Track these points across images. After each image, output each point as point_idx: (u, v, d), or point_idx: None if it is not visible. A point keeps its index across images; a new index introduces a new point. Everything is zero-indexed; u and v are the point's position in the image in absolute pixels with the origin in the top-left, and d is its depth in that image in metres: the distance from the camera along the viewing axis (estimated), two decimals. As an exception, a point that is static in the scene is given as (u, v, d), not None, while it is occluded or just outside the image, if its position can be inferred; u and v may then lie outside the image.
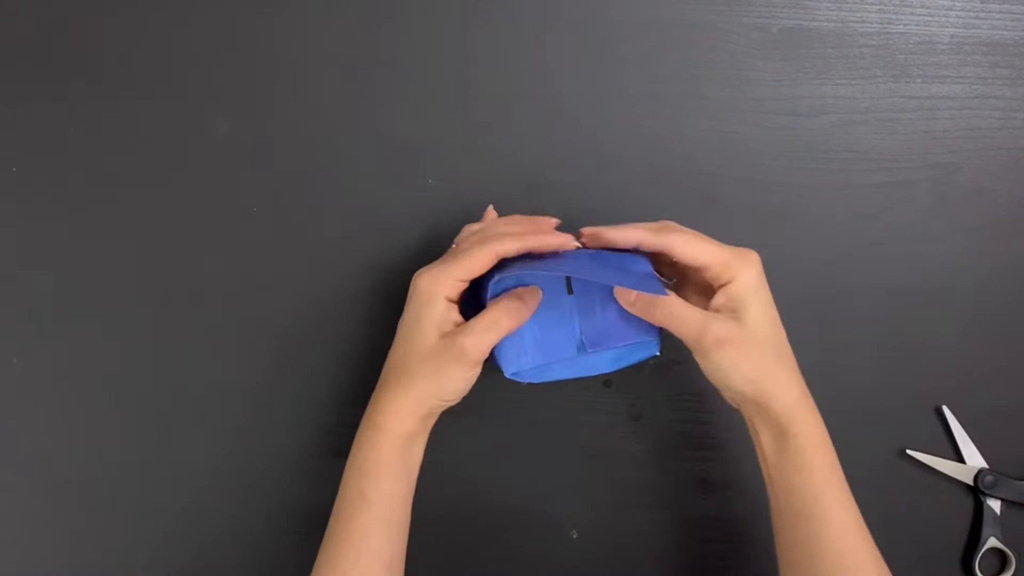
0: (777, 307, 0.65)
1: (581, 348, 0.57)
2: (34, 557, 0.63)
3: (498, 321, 0.54)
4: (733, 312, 0.53)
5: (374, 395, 0.56)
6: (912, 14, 0.66)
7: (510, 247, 0.55)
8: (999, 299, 0.66)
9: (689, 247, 0.54)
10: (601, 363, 0.58)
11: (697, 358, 0.54)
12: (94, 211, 0.64)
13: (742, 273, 0.54)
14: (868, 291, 0.65)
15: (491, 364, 0.58)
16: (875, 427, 0.65)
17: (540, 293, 0.56)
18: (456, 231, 0.63)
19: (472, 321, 0.54)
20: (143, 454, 0.63)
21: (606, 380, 0.65)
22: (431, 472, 0.63)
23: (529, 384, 0.58)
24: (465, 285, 0.55)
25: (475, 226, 0.59)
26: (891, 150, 0.66)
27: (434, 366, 0.54)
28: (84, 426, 0.63)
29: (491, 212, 0.61)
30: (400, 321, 0.56)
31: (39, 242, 0.64)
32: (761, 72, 0.65)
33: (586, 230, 0.57)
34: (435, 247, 0.64)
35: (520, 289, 0.56)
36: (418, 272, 0.55)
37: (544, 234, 0.56)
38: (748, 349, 0.53)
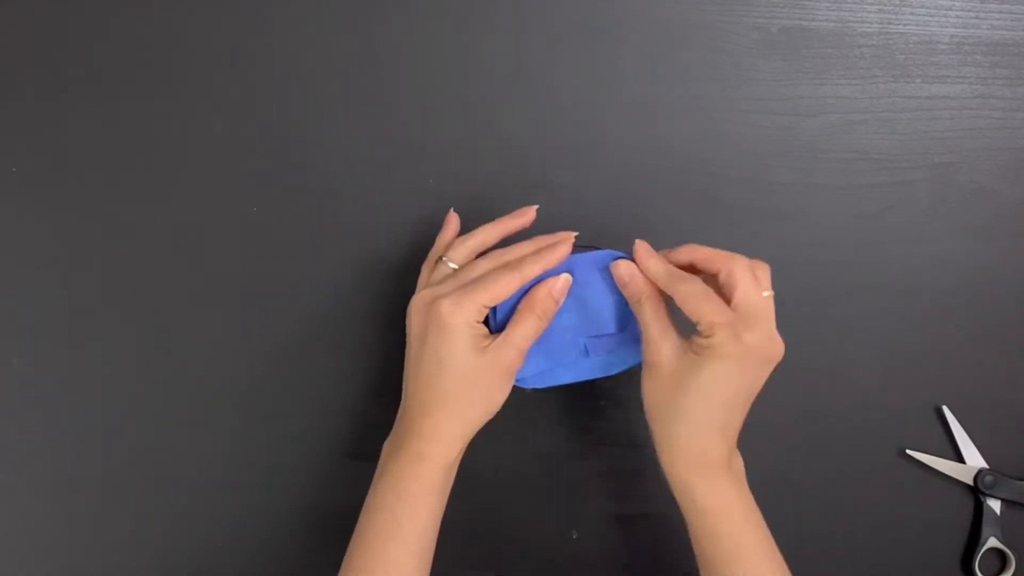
0: (777, 307, 0.65)
1: (583, 352, 0.57)
2: (34, 557, 0.63)
3: (538, 324, 0.54)
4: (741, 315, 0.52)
5: (411, 423, 0.55)
6: (912, 14, 0.66)
7: (535, 270, 0.54)
8: (999, 299, 0.66)
9: (690, 303, 0.52)
10: (603, 366, 0.58)
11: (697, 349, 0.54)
12: (94, 211, 0.64)
13: (724, 341, 0.52)
14: (868, 291, 0.65)
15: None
16: (875, 427, 0.65)
17: (569, 279, 0.55)
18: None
19: (511, 330, 0.54)
20: (143, 454, 0.63)
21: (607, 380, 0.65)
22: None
23: (533, 390, 0.58)
24: (487, 311, 0.55)
25: (469, 241, 0.58)
26: (891, 150, 0.66)
27: (484, 386, 0.54)
28: (84, 426, 0.63)
29: (453, 218, 0.60)
30: (420, 347, 0.55)
31: (39, 242, 0.64)
32: (761, 72, 0.65)
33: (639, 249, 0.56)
34: (435, 247, 0.64)
35: (547, 281, 0.55)
36: (435, 298, 0.54)
37: (556, 248, 0.55)
38: (753, 359, 0.53)
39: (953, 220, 0.66)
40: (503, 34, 0.65)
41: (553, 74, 0.65)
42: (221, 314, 0.64)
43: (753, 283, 0.53)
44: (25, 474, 0.63)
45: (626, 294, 0.56)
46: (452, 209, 0.60)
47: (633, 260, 0.56)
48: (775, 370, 0.65)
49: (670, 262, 0.55)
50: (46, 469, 0.63)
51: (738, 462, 0.55)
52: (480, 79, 0.65)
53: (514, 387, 0.57)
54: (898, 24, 0.66)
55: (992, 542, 0.64)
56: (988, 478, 0.64)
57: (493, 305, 0.55)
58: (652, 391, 0.54)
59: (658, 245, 0.64)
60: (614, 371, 0.58)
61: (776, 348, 0.53)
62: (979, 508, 0.65)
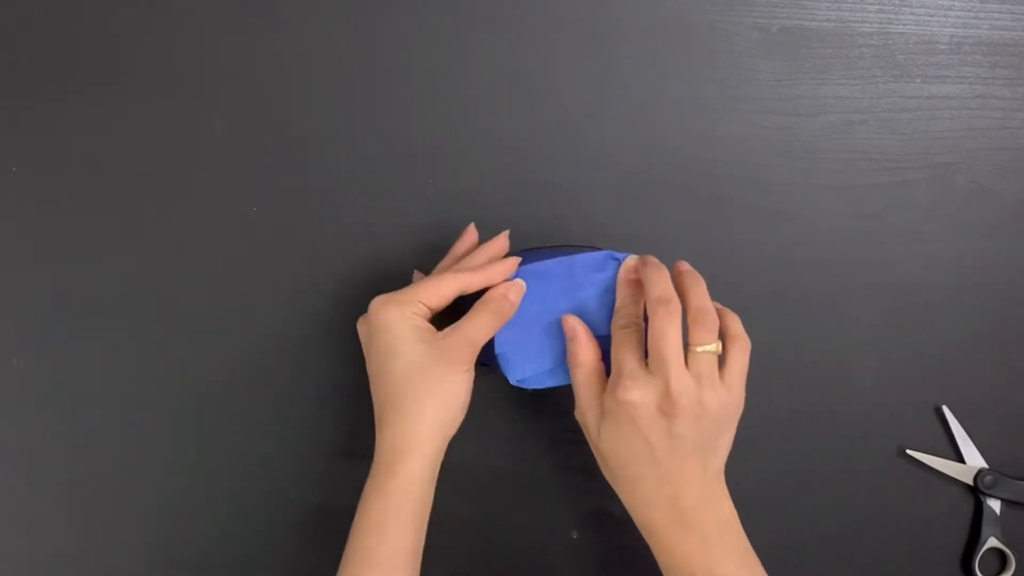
0: (777, 307, 0.65)
1: None
2: (34, 557, 0.63)
3: (490, 320, 0.54)
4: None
5: (377, 440, 0.55)
6: (912, 14, 0.66)
7: (475, 280, 0.54)
8: (999, 299, 0.66)
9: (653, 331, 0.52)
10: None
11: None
12: (94, 211, 0.64)
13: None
14: (868, 291, 0.65)
15: (493, 370, 0.58)
16: (875, 427, 0.65)
17: (524, 287, 0.55)
18: (456, 231, 0.63)
19: (461, 320, 0.54)
20: (143, 454, 0.63)
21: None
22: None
23: (534, 391, 0.58)
24: (428, 313, 0.54)
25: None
26: (891, 150, 0.66)
27: (436, 378, 0.53)
28: (84, 426, 0.63)
29: (471, 232, 0.60)
30: (368, 356, 0.55)
31: (39, 242, 0.64)
32: (761, 72, 0.65)
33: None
34: (435, 247, 0.64)
35: (504, 284, 0.55)
36: (373, 301, 0.55)
37: (495, 267, 0.55)
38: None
39: (953, 220, 0.66)
40: (503, 34, 0.65)
41: (553, 74, 0.65)
42: (221, 314, 0.64)
43: (671, 332, 0.51)
44: (25, 474, 0.63)
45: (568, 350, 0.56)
46: (472, 224, 0.61)
47: (627, 262, 0.56)
48: (775, 370, 0.65)
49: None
50: (46, 469, 0.63)
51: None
52: (480, 79, 0.65)
53: (515, 388, 0.57)
54: (898, 24, 0.66)
55: (992, 542, 0.64)
56: (988, 478, 0.64)
57: (431, 304, 0.54)
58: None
59: (658, 245, 0.65)
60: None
61: (737, 406, 0.53)
62: (979, 508, 0.65)
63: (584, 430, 0.55)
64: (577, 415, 0.55)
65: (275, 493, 0.64)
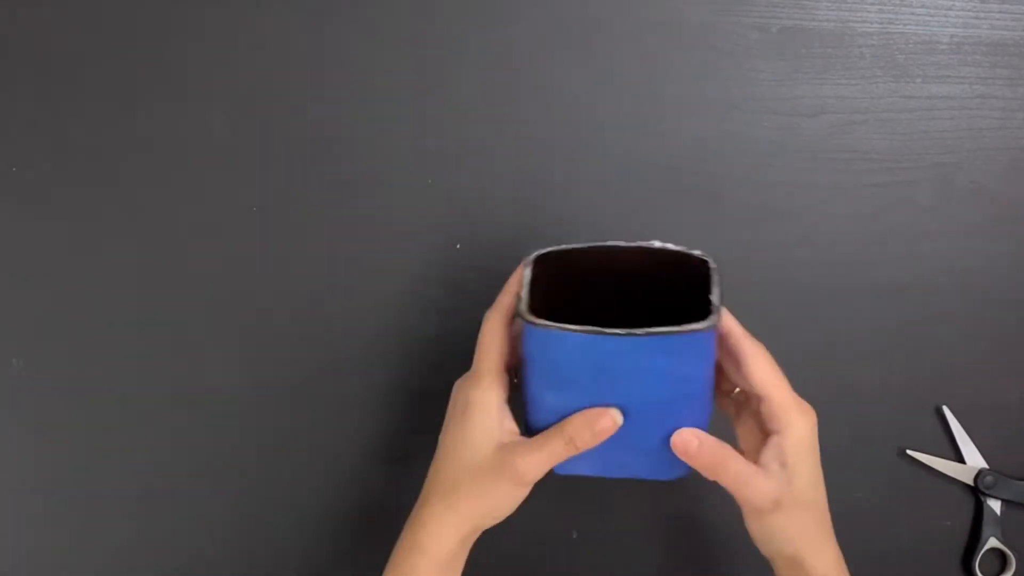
0: (777, 307, 0.65)
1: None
2: (34, 557, 0.63)
3: (564, 451, 0.49)
4: (783, 468, 0.50)
5: (415, 509, 0.52)
6: (912, 14, 0.66)
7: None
8: (999, 299, 0.66)
9: (756, 365, 0.50)
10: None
11: (747, 516, 0.52)
12: (94, 211, 0.64)
13: (797, 425, 0.50)
14: (868, 291, 0.65)
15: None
16: (875, 427, 0.65)
17: (617, 421, 0.48)
18: (456, 231, 0.63)
19: (534, 440, 0.49)
20: (144, 454, 0.63)
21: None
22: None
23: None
24: (507, 388, 0.51)
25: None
26: (891, 150, 0.66)
27: (485, 484, 0.50)
28: (84, 426, 0.63)
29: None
30: (444, 428, 0.53)
31: (39, 242, 0.64)
32: (761, 72, 0.65)
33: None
34: (435, 247, 0.64)
35: (595, 412, 0.48)
36: (483, 376, 0.51)
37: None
38: (796, 513, 0.50)
39: (953, 220, 0.66)
40: (503, 34, 0.65)
41: (553, 74, 0.65)
42: (220, 314, 0.64)
43: (764, 357, 0.51)
44: (25, 474, 0.63)
45: (697, 466, 0.50)
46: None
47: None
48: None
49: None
50: (46, 469, 0.63)
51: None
52: (480, 79, 0.65)
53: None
54: (898, 24, 0.66)
55: (992, 542, 0.64)
56: (988, 478, 0.64)
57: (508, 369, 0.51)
58: (779, 523, 0.51)
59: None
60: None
61: (812, 410, 0.52)
62: (979, 508, 0.65)
63: (761, 506, 0.50)
64: (758, 496, 0.50)
65: (277, 494, 0.64)
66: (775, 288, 0.65)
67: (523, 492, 0.50)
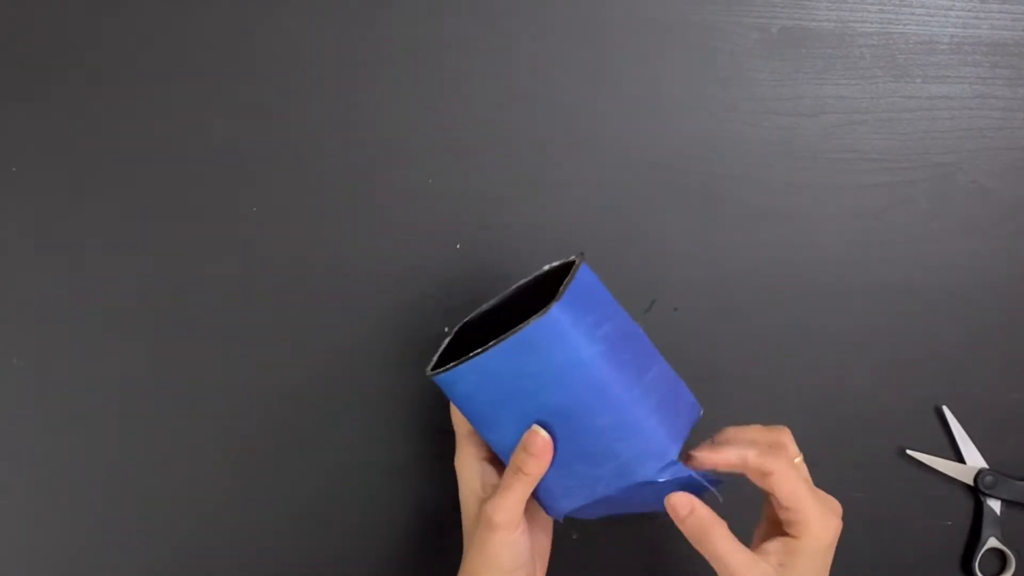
0: (777, 307, 0.65)
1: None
2: (34, 557, 0.63)
3: (518, 481, 0.49)
4: (782, 567, 0.49)
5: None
6: (912, 14, 0.66)
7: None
8: (999, 299, 0.66)
9: (786, 486, 0.49)
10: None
11: None
12: (94, 211, 0.64)
13: (813, 536, 0.50)
14: (868, 291, 0.65)
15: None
16: (875, 427, 0.65)
17: (544, 436, 0.49)
18: (456, 231, 0.63)
19: (500, 486, 0.51)
20: (144, 454, 0.63)
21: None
22: (430, 471, 0.63)
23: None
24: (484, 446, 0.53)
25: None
26: (891, 150, 0.66)
27: (477, 539, 0.51)
28: (84, 426, 0.63)
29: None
30: None
31: (39, 242, 0.64)
32: (761, 72, 0.65)
33: (695, 453, 0.51)
34: (435, 248, 0.64)
35: (525, 435, 0.49)
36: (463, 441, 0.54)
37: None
38: None
39: (953, 220, 0.66)
40: (502, 34, 0.65)
41: (553, 74, 0.65)
42: (220, 314, 0.64)
43: (793, 472, 0.50)
44: (25, 474, 0.63)
45: (685, 533, 0.50)
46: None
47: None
48: (775, 370, 0.65)
49: (708, 464, 0.50)
50: (46, 469, 0.63)
51: None
52: (480, 79, 0.65)
53: None
54: (898, 24, 0.66)
55: (992, 542, 0.64)
56: (988, 478, 0.64)
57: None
58: None
59: (657, 245, 0.65)
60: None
61: (837, 519, 0.51)
62: (979, 508, 0.65)
63: None
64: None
65: (276, 494, 0.64)
66: (775, 288, 0.65)
67: (510, 537, 0.50)
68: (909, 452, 0.65)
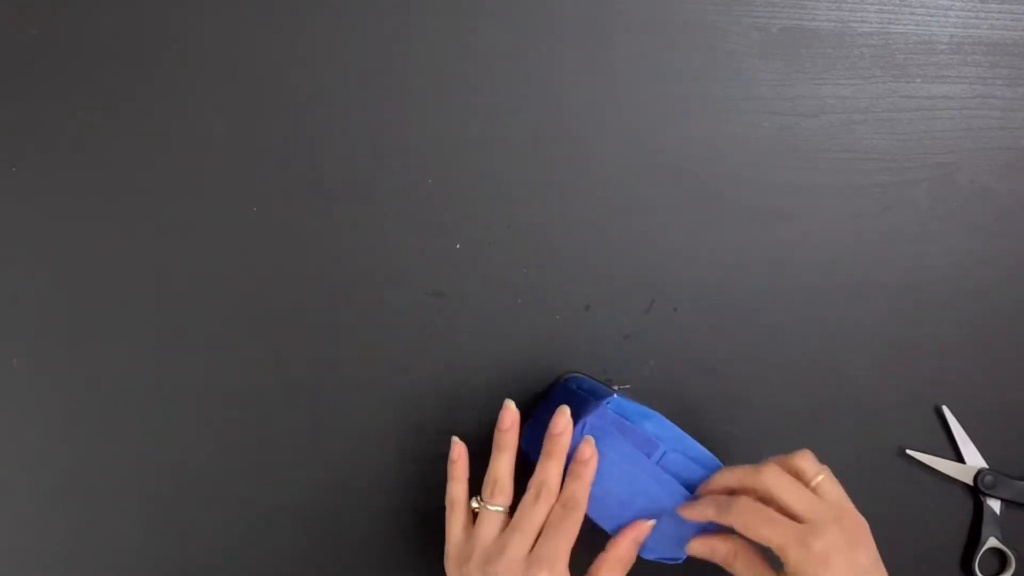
0: (777, 307, 0.65)
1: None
2: (34, 557, 0.63)
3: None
4: None
5: None
6: (912, 14, 0.66)
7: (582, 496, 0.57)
8: (999, 299, 0.66)
9: (750, 531, 0.52)
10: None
11: None
12: (94, 211, 0.64)
13: (797, 561, 0.51)
14: (868, 291, 0.65)
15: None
16: (875, 427, 0.65)
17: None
18: (456, 231, 0.63)
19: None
20: (144, 454, 0.63)
21: (607, 380, 0.65)
22: (429, 471, 0.63)
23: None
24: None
25: (500, 477, 0.58)
26: (891, 150, 0.66)
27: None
28: (84, 426, 0.63)
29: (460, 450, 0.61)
30: None
31: (39, 242, 0.64)
32: (761, 72, 0.65)
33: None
34: (435, 248, 0.64)
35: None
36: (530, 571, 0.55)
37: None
38: None
39: (953, 220, 0.66)
40: (502, 34, 0.65)
41: (553, 74, 0.65)
42: (220, 314, 0.64)
43: (794, 486, 0.52)
44: (25, 474, 0.63)
45: (717, 561, 0.55)
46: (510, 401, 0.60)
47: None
48: (775, 370, 0.65)
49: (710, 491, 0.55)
50: (46, 469, 0.63)
51: None
52: (480, 79, 0.65)
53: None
54: (898, 24, 0.66)
55: (992, 542, 0.64)
56: (988, 478, 0.64)
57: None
58: None
59: (657, 245, 0.65)
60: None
61: (854, 523, 0.53)
62: (979, 508, 0.65)
63: None
64: None
65: (276, 493, 0.64)
66: (775, 288, 0.65)
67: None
68: (909, 452, 0.65)
